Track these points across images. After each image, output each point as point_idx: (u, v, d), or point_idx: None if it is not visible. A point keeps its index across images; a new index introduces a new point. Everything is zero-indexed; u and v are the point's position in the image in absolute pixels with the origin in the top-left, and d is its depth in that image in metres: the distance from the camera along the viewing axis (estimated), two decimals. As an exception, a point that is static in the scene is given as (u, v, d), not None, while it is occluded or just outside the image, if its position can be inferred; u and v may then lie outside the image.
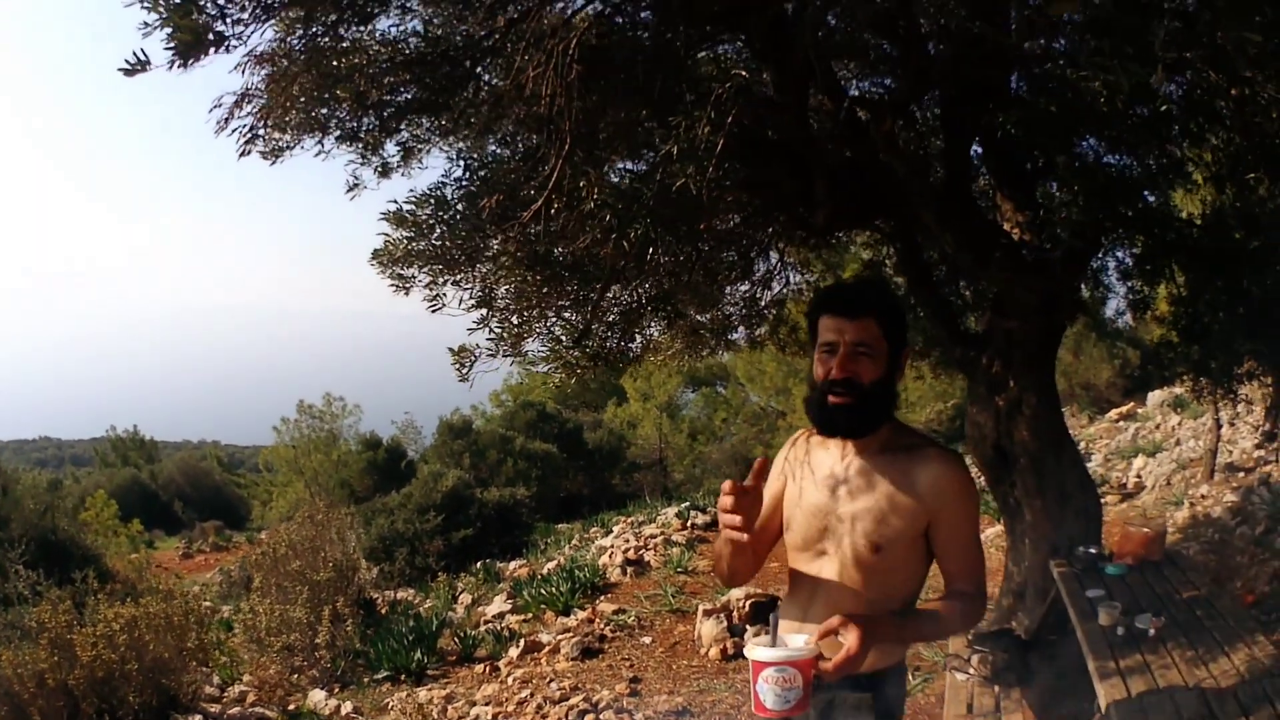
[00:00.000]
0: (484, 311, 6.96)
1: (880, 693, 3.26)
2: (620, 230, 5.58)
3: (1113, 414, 23.55)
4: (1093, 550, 7.56)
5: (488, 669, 9.84)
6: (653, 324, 8.11)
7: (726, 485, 3.03)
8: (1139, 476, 16.36)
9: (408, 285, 6.79)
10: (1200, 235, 7.96)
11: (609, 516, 21.31)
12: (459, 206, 6.44)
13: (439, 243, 6.51)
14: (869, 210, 6.82)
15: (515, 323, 6.99)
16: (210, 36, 4.25)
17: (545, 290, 6.87)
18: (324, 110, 5.59)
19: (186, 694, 8.81)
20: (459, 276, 6.81)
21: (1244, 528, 11.80)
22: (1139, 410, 22.37)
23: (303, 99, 5.38)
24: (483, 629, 11.65)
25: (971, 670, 7.35)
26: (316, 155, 5.91)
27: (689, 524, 16.53)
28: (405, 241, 6.57)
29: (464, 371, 6.80)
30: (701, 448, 38.04)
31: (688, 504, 18.92)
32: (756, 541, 3.40)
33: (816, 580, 3.33)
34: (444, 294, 6.83)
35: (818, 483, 3.31)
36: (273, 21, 4.81)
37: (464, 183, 6.51)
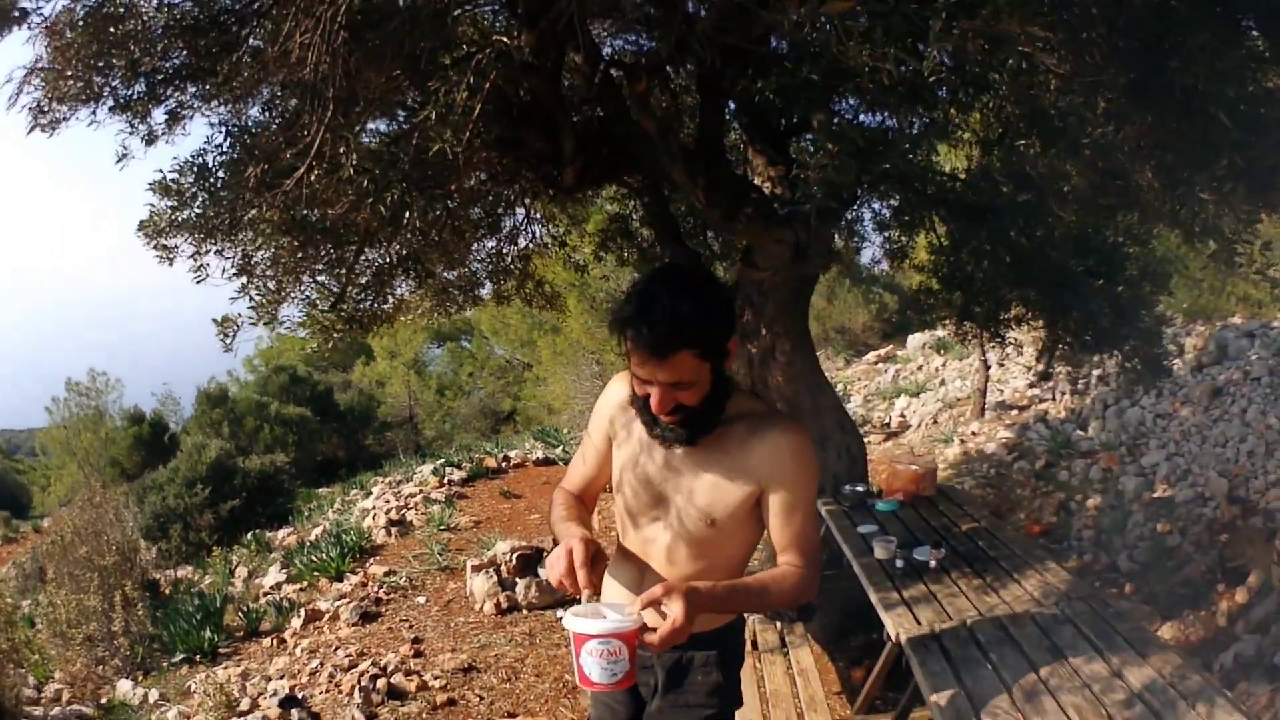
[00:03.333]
0: (244, 280, 6.96)
1: (724, 647, 3.37)
2: (376, 195, 5.63)
3: (870, 356, 24.10)
4: (859, 488, 7.83)
5: (275, 641, 9.83)
6: (403, 284, 8.15)
7: (575, 555, 2.92)
8: (903, 416, 16.94)
9: (171, 256, 6.73)
10: (964, 189, 8.30)
11: (367, 478, 21.17)
12: (220, 174, 6.40)
13: (200, 211, 6.46)
14: (617, 167, 6.93)
15: (272, 289, 6.97)
16: (15, 13, 4.21)
17: (301, 256, 6.91)
18: (99, 79, 5.52)
19: (10, 699, 8.63)
20: (220, 245, 6.78)
21: (1022, 462, 12.42)
22: (898, 353, 22.97)
23: (81, 68, 5.33)
24: (263, 601, 11.59)
25: (751, 609, 7.58)
26: (89, 125, 5.85)
27: (445, 480, 16.64)
28: (169, 211, 6.49)
29: (228, 341, 6.76)
30: (450, 403, 38.42)
31: (442, 461, 18.96)
32: (585, 494, 3.52)
33: (647, 548, 3.33)
34: (206, 264, 6.80)
35: (651, 449, 3.23)
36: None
37: (225, 150, 6.46)
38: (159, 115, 6.15)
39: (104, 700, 9.30)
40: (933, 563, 6.18)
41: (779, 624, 7.39)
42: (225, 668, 9.28)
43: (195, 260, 6.75)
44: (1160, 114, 4.70)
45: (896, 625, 5.36)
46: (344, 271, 7.21)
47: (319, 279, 7.31)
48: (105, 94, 5.67)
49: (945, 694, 4.60)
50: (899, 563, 6.26)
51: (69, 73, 5.30)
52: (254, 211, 6.46)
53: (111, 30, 5.19)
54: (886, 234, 10.04)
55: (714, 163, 6.56)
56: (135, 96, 5.83)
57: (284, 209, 6.30)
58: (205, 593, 12.45)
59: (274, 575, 13.06)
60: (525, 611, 9.26)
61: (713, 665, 3.34)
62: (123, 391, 35.63)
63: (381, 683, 7.77)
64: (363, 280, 7.70)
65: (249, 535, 17.36)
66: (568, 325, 26.19)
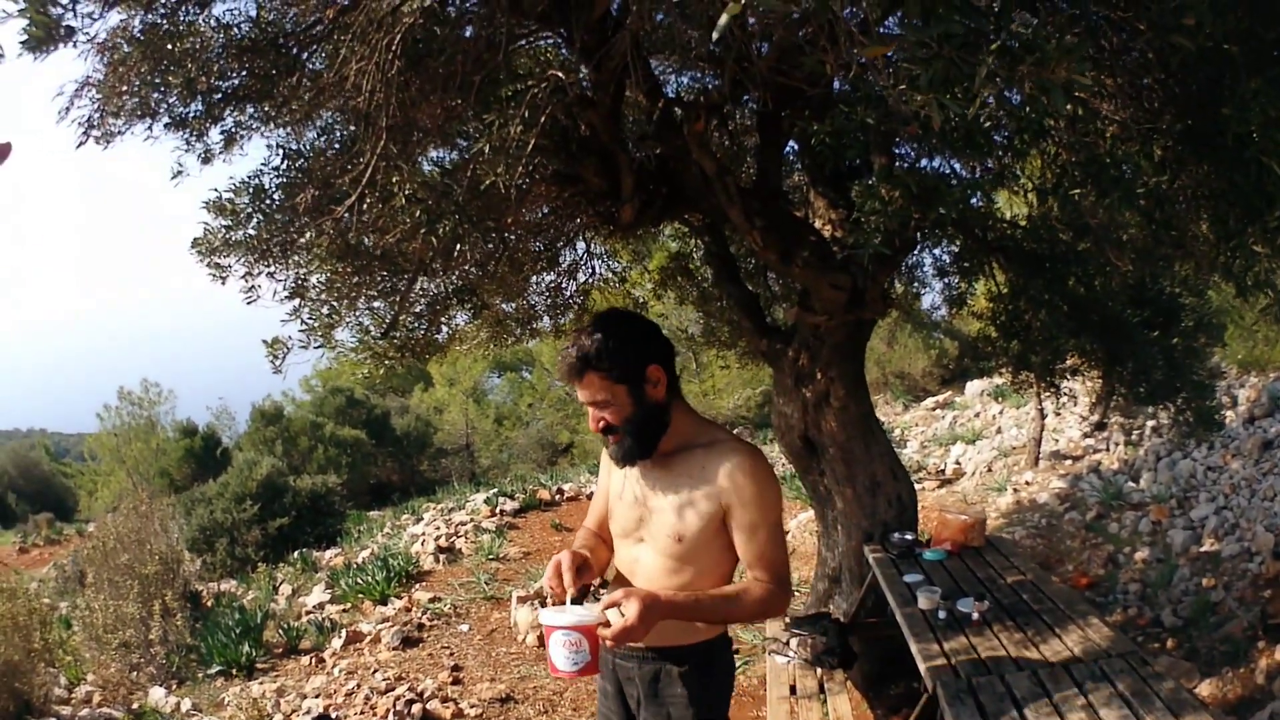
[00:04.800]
0: (297, 302, 6.98)
1: (699, 661, 3.69)
2: (429, 225, 5.66)
3: (929, 402, 24.09)
4: (908, 536, 7.75)
5: (314, 660, 9.92)
6: (458, 314, 8.19)
7: (562, 563, 3.57)
8: (958, 463, 16.81)
9: (224, 275, 6.78)
10: (1023, 236, 8.27)
11: (419, 503, 21.46)
12: (275, 196, 6.46)
13: (255, 232, 6.52)
14: (676, 206, 6.92)
15: (325, 313, 7.00)
16: (61, 31, 4.30)
17: (355, 281, 6.92)
18: (156, 95, 5.57)
19: (39, 697, 8.80)
20: (273, 267, 6.84)
21: (1073, 513, 12.26)
22: (956, 399, 22.91)
23: (138, 84, 5.39)
24: (305, 620, 11.70)
25: (792, 653, 7.53)
26: (145, 140, 5.87)
27: (498, 510, 16.73)
28: (223, 230, 6.57)
29: (277, 363, 6.81)
30: (508, 432, 38.51)
31: (496, 490, 19.14)
32: (602, 530, 4.05)
33: (634, 566, 3.75)
34: (259, 285, 6.86)
35: (636, 478, 3.69)
36: (117, 8, 4.86)
37: (282, 172, 6.52)
38: (215, 134, 6.21)
39: (135, 705, 9.39)
40: (976, 614, 6.10)
41: (819, 670, 7.34)
42: (261, 683, 9.40)
43: (247, 280, 6.80)
44: (1215, 162, 4.67)
45: (934, 676, 5.35)
46: (397, 299, 7.24)
47: (373, 305, 7.35)
48: (161, 110, 5.70)
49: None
50: (941, 613, 6.19)
51: (124, 88, 5.35)
52: (308, 235, 6.50)
53: (169, 48, 5.25)
54: (946, 280, 9.98)
55: (770, 204, 6.55)
56: (192, 115, 5.87)
57: (337, 235, 6.34)
58: (246, 608, 12.52)
59: (318, 595, 13.16)
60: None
61: (688, 678, 3.66)
62: (175, 403, 35.96)
63: (416, 708, 7.86)
64: (416, 309, 7.74)
65: (296, 554, 17.49)
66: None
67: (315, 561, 16.79)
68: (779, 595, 3.51)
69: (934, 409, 23.34)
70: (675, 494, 3.58)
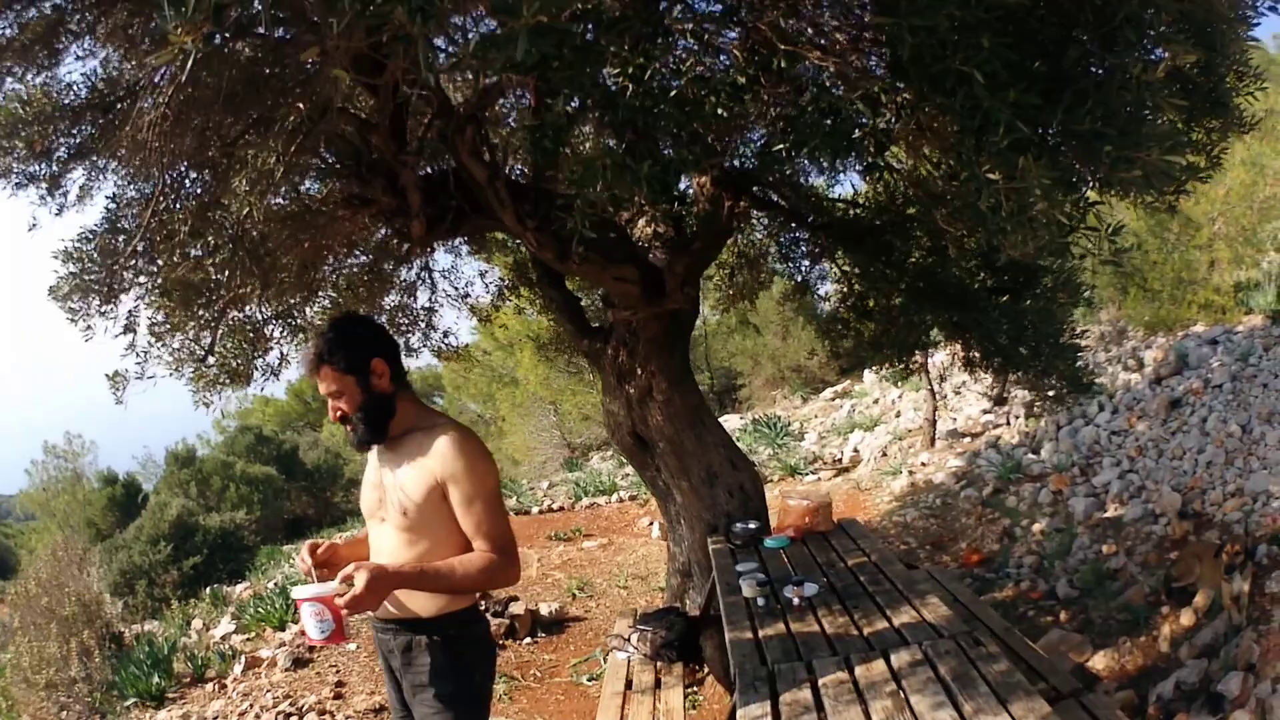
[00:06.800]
0: (131, 336, 7.20)
1: (445, 632, 4.05)
2: (230, 255, 5.88)
3: (828, 393, 24.46)
4: (751, 525, 7.80)
5: (217, 686, 10.16)
6: (281, 339, 8.41)
7: (304, 547, 4.16)
8: (856, 451, 17.04)
9: (76, 318, 6.98)
10: (865, 214, 8.39)
11: (329, 533, 21.83)
12: (108, 240, 6.68)
13: (89, 277, 6.74)
14: (469, 218, 7.05)
15: (151, 343, 7.31)
16: None
17: (177, 314, 7.14)
18: (6, 159, 5.88)
19: None
20: (105, 307, 7.01)
21: (970, 490, 12.46)
22: (856, 387, 23.20)
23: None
24: (211, 650, 11.89)
25: (632, 648, 7.71)
26: (9, 197, 6.24)
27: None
28: (71, 277, 6.78)
29: (118, 395, 7.28)
30: None
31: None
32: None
33: (380, 543, 4.18)
34: (92, 324, 7.04)
35: (375, 463, 4.22)
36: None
37: (112, 218, 6.75)
38: (73, 187, 6.50)
39: (63, 741, 9.65)
40: (796, 600, 6.06)
41: (657, 664, 7.49)
42: (169, 710, 9.61)
43: (82, 321, 6.99)
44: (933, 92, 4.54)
45: (738, 664, 5.26)
46: (213, 328, 7.44)
47: (193, 335, 7.54)
48: (13, 171, 6.00)
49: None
50: (762, 600, 6.18)
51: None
52: (128, 275, 6.74)
53: (14, 109, 5.57)
54: (790, 266, 10.15)
55: (543, 203, 6.68)
56: (42, 173, 6.16)
57: (156, 273, 6.68)
58: (155, 642, 12.72)
59: (225, 626, 13.39)
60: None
61: (436, 648, 4.03)
62: (97, 453, 36.05)
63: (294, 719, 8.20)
64: (236, 337, 7.93)
65: (208, 590, 17.78)
66: (526, 377, 26.56)
67: (226, 596, 17.05)
68: (501, 563, 3.88)
69: (833, 399, 23.70)
70: (399, 472, 4.00)
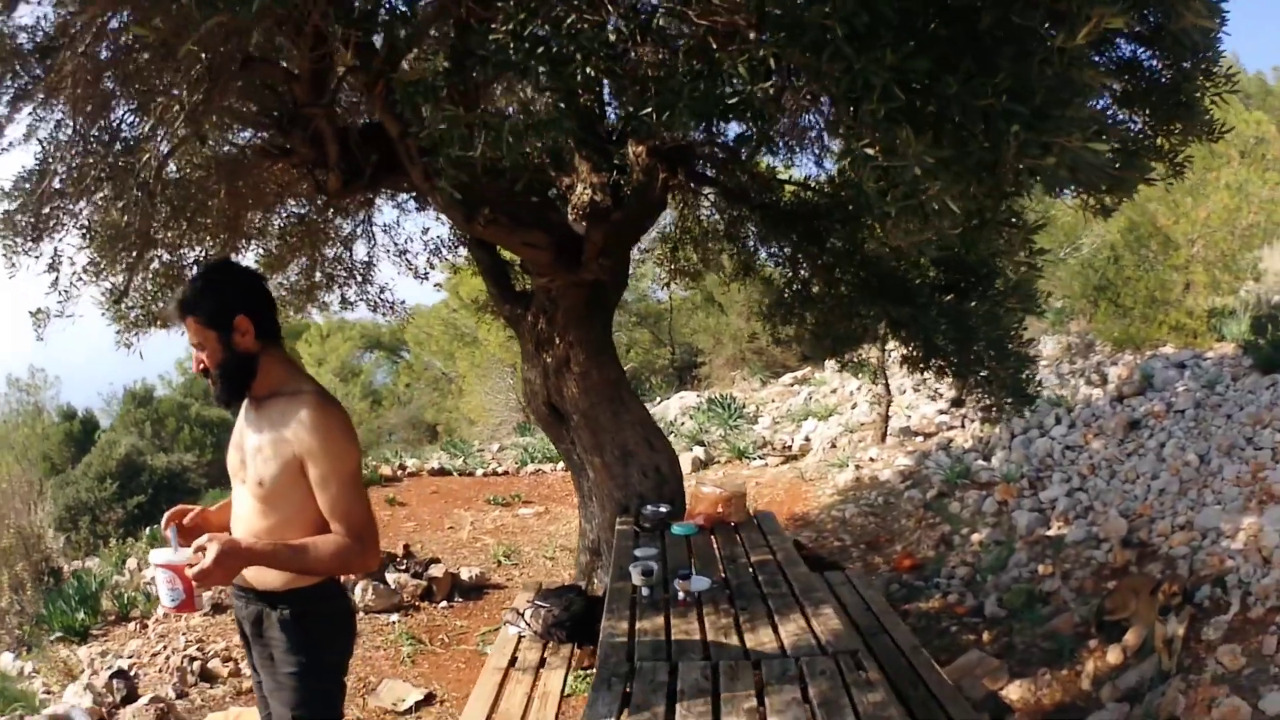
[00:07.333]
0: (55, 275, 7.19)
1: (297, 607, 3.89)
2: (140, 199, 5.84)
3: (786, 378, 24.38)
4: (663, 509, 7.69)
5: (139, 626, 10.25)
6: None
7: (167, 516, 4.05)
8: (808, 439, 16.95)
9: (6, 254, 7.05)
10: (811, 197, 8.29)
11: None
12: (38, 182, 6.64)
13: (18, 216, 6.79)
14: (388, 173, 6.98)
15: (73, 283, 7.26)
16: None
17: (98, 256, 7.19)
18: None
19: None
20: (29, 246, 7.01)
21: (914, 491, 12.33)
22: (816, 375, 23.08)
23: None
24: (139, 590, 11.93)
25: (525, 624, 7.60)
26: None
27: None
28: (5, 215, 6.83)
29: (39, 332, 7.37)
30: (385, 413, 39.24)
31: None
32: None
33: (239, 508, 4.00)
34: (17, 262, 7.10)
35: (241, 424, 4.04)
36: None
37: (43, 160, 6.71)
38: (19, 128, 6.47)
39: (-11, 670, 9.86)
40: (681, 594, 5.82)
41: (546, 643, 7.36)
42: (90, 646, 9.71)
43: (9, 258, 7.05)
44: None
45: (603, 656, 5.05)
46: (128, 271, 7.42)
47: (109, 279, 7.53)
48: None
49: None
50: (646, 590, 5.95)
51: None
52: (57, 216, 6.82)
53: None
54: (735, 246, 9.98)
55: (460, 165, 6.54)
56: None
57: (78, 214, 6.81)
58: (83, 578, 12.78)
59: (157, 566, 13.35)
60: (362, 614, 9.42)
61: (286, 623, 3.88)
62: (60, 388, 35.87)
63: (197, 665, 8.37)
64: (158, 280, 7.92)
65: (147, 530, 17.67)
66: (486, 338, 26.56)
67: (165, 539, 16.88)
68: (355, 549, 3.71)
69: (791, 384, 23.62)
70: (259, 439, 3.85)
